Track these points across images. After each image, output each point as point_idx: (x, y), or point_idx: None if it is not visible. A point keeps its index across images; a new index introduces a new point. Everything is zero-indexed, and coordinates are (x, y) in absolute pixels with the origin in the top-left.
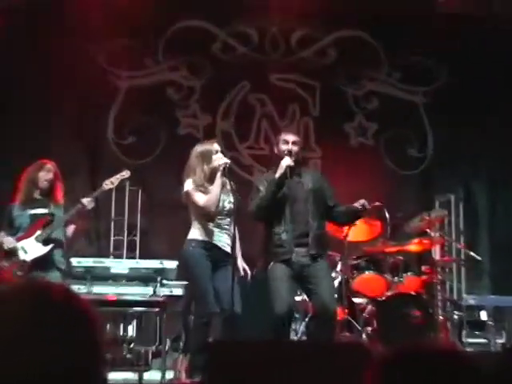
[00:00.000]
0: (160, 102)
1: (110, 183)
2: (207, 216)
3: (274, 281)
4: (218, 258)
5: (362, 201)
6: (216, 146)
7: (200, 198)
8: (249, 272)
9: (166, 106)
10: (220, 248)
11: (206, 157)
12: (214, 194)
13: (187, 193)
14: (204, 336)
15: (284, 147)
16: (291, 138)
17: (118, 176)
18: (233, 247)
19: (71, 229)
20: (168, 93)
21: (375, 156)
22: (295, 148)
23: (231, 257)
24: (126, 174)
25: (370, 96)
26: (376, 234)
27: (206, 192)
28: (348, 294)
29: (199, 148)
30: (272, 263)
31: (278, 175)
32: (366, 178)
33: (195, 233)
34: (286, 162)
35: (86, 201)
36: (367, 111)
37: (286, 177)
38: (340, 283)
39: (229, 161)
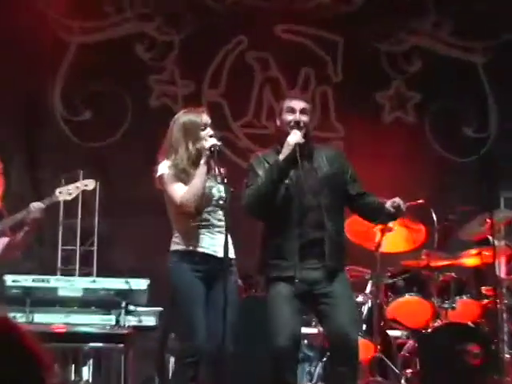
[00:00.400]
0: (125, 64)
1: (66, 193)
2: (189, 213)
3: (273, 304)
4: (212, 271)
5: (397, 200)
6: (205, 118)
7: (176, 191)
8: (243, 290)
9: (133, 69)
10: (214, 256)
11: (192, 131)
12: (194, 187)
13: (161, 179)
14: (189, 382)
15: (289, 117)
16: (299, 104)
17: (78, 185)
18: (225, 252)
19: (2, 242)
20: (136, 51)
21: (418, 137)
22: (304, 118)
23: (232, 264)
24: (90, 185)
25: (412, 55)
26: (419, 243)
27: (187, 181)
28: (381, 324)
29: (183, 118)
30: (271, 280)
31: (283, 156)
32: (404, 167)
33: (177, 241)
34: (295, 137)
35: (35, 206)
36: (407, 76)
37: (295, 159)
38: (370, 310)
39: (219, 143)
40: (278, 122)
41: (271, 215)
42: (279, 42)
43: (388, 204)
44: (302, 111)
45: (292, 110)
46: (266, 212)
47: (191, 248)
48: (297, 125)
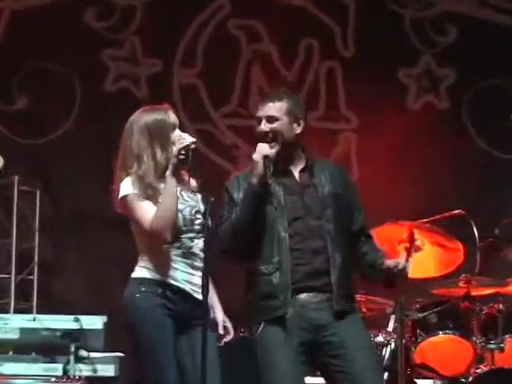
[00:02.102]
0: (72, 36)
1: None
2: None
3: (265, 353)
4: (187, 312)
5: (401, 263)
6: (173, 117)
7: (144, 216)
8: (231, 332)
9: (82, 43)
10: (189, 294)
11: (160, 134)
12: (164, 209)
13: (124, 202)
14: None
15: (257, 128)
16: (263, 111)
17: None
18: (204, 287)
19: None
20: (86, 19)
21: (453, 127)
22: (274, 126)
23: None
24: None
25: (445, 22)
26: (455, 266)
27: (156, 199)
28: (408, 371)
29: (145, 118)
30: (261, 325)
31: (255, 179)
32: (436, 169)
33: (145, 267)
34: (260, 151)
35: None
36: (439, 49)
37: (265, 178)
38: (393, 353)
39: (194, 139)
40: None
41: (256, 246)
42: (272, 6)
43: (389, 264)
44: (269, 119)
45: (259, 121)
46: (247, 248)
47: (164, 278)
48: (265, 135)
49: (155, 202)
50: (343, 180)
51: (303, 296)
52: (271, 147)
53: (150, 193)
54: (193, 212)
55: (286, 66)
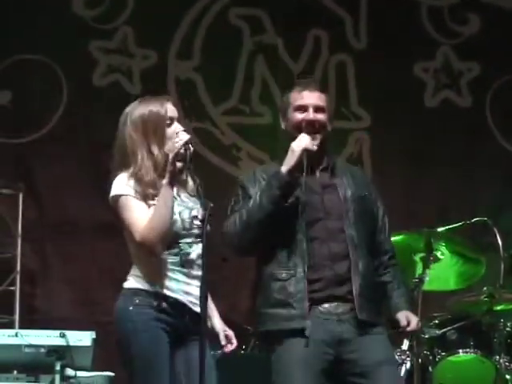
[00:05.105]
0: (58, 25)
1: None
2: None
3: (280, 371)
4: (184, 327)
5: (414, 322)
6: (171, 109)
7: (136, 224)
8: (234, 340)
9: (69, 33)
10: (186, 306)
11: (155, 128)
12: (158, 218)
13: (116, 202)
14: None
15: (299, 116)
16: (312, 98)
17: None
18: (202, 298)
19: None
20: (74, 6)
21: (474, 126)
22: (321, 117)
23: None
24: None
25: (465, 11)
26: (477, 278)
27: (152, 199)
28: None
29: (140, 110)
30: (273, 336)
31: (286, 167)
32: (456, 172)
33: (139, 276)
34: (302, 142)
35: None
36: (459, 40)
37: (301, 171)
38: (409, 373)
39: (189, 136)
40: (283, 123)
41: (269, 246)
42: None
43: (400, 320)
44: (318, 109)
45: (302, 108)
46: (258, 245)
47: (159, 289)
48: (310, 127)
49: (149, 206)
50: (367, 184)
51: (325, 306)
52: (313, 139)
53: (150, 192)
54: (191, 215)
55: (293, 59)
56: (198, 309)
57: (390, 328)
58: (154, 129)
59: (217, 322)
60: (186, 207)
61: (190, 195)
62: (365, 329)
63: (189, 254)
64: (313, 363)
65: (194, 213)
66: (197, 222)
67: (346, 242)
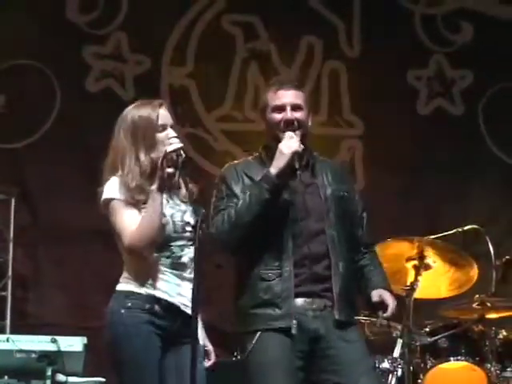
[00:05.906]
0: (52, 31)
1: None
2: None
3: (262, 371)
4: (177, 329)
5: (391, 303)
6: (164, 114)
7: (125, 229)
8: (212, 357)
9: (63, 38)
10: (178, 308)
11: (144, 133)
12: (146, 224)
13: (106, 206)
14: None
15: (277, 116)
16: (288, 97)
17: None
18: (194, 301)
19: None
20: (68, 12)
21: (467, 134)
22: (299, 115)
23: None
24: None
25: (458, 20)
26: (469, 286)
27: (142, 204)
28: None
29: (131, 113)
30: (257, 334)
31: (275, 169)
32: (449, 180)
33: (131, 278)
34: (290, 144)
35: None
36: (452, 48)
37: (294, 173)
38: (400, 381)
39: (182, 145)
40: (265, 124)
41: (253, 245)
42: (271, 1)
43: (376, 297)
44: (294, 107)
45: (279, 108)
46: (244, 244)
47: (152, 291)
48: (290, 124)
49: (140, 212)
50: (347, 180)
51: (300, 301)
52: (300, 141)
53: (139, 197)
54: (184, 218)
55: (286, 66)
56: (189, 311)
57: (371, 311)
58: (143, 134)
59: (200, 336)
60: (179, 210)
61: (183, 201)
62: (340, 327)
63: (180, 257)
64: (291, 365)
65: (187, 218)
66: (189, 228)
67: (326, 243)
